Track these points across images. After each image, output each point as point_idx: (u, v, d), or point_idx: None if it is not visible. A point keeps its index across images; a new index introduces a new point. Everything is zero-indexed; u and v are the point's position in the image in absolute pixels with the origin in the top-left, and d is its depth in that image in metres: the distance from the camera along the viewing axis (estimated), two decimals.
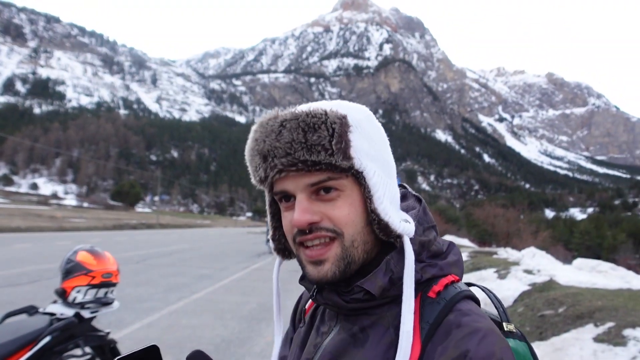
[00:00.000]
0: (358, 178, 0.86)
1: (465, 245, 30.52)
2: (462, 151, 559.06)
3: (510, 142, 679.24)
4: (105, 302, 3.01)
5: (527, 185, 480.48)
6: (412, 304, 0.82)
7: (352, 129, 0.85)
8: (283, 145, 0.83)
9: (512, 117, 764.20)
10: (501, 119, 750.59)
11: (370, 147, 0.88)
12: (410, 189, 1.06)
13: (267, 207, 1.01)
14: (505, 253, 17.99)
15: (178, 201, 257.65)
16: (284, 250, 1.02)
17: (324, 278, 0.87)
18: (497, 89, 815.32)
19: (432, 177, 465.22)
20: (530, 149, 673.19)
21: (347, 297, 0.90)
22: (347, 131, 0.84)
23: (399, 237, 0.88)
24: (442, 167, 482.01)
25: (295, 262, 0.93)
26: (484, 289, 1.00)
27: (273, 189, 0.91)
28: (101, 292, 2.99)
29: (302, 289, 1.08)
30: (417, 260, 0.90)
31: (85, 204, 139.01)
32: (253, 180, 0.91)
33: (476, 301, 0.92)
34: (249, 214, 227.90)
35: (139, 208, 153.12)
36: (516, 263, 13.08)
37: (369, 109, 0.92)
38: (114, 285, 3.08)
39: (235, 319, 8.48)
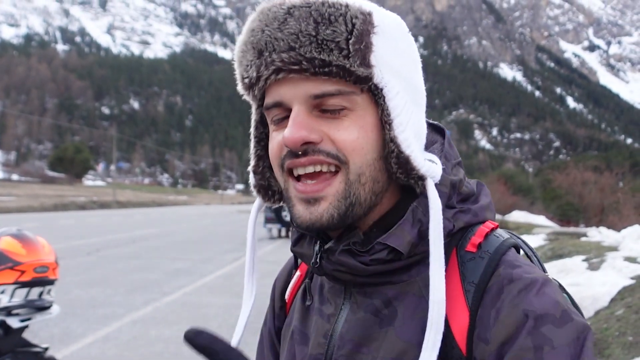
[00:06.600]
0: (376, 96, 0.95)
1: (541, 224, 30.39)
2: (537, 93, 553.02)
3: (606, 79, 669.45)
4: (40, 307, 2.91)
5: (629, 140, 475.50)
6: (442, 264, 0.90)
7: (377, 30, 0.94)
8: (287, 36, 0.91)
9: (608, 43, 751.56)
10: (592, 47, 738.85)
11: (396, 59, 0.97)
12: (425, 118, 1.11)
13: (252, 129, 1.11)
14: (599, 234, 17.87)
15: (142, 170, 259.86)
16: (266, 188, 1.12)
17: (318, 222, 0.93)
18: (587, 5, 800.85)
19: (494, 131, 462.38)
20: (634, 89, 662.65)
21: (366, 257, 0.94)
22: (370, 31, 0.93)
23: (421, 179, 0.96)
24: (508, 116, 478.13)
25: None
26: (510, 234, 1.08)
27: (264, 102, 0.99)
28: (34, 293, 2.89)
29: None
30: (448, 205, 0.98)
31: (15, 176, 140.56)
32: (240, 87, 1.02)
33: (520, 252, 1.03)
34: (240, 187, 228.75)
35: (89, 181, 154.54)
36: (614, 248, 12.98)
37: None
38: (51, 282, 2.98)
39: (224, 329, 8.51)
